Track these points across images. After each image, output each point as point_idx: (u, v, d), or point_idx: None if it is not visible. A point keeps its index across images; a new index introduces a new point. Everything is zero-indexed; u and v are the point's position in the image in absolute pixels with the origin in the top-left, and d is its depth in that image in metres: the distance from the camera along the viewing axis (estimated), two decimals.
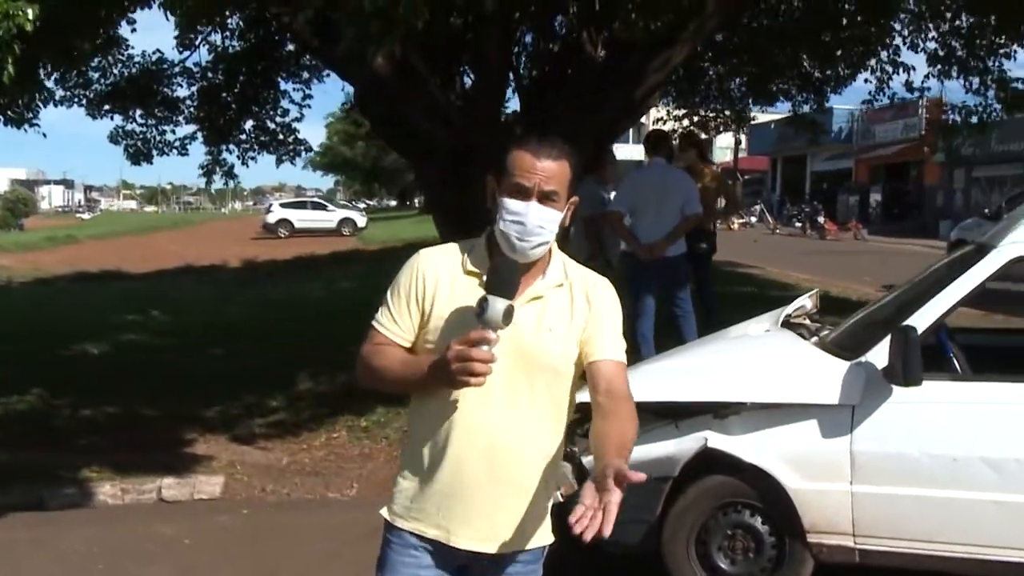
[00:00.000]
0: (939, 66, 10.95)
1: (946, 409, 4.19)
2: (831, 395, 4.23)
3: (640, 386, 4.55)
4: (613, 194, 9.10)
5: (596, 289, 2.49)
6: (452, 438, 2.41)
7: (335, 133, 63.03)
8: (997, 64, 10.50)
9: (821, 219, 36.11)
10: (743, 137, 41.44)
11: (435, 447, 2.44)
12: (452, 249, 2.53)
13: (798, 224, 39.18)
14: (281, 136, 12.59)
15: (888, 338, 4.18)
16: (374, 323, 2.52)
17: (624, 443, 2.27)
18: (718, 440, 4.35)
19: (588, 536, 2.01)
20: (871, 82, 11.77)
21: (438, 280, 2.45)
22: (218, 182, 13.35)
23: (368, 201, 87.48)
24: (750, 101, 15.83)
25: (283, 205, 51.62)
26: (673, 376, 4.64)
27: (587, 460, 4.53)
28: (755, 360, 4.63)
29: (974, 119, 10.82)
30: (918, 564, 4.27)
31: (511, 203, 2.37)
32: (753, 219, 41.86)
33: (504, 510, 2.44)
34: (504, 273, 2.29)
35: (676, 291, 8.30)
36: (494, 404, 2.38)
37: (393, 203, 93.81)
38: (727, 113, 16.54)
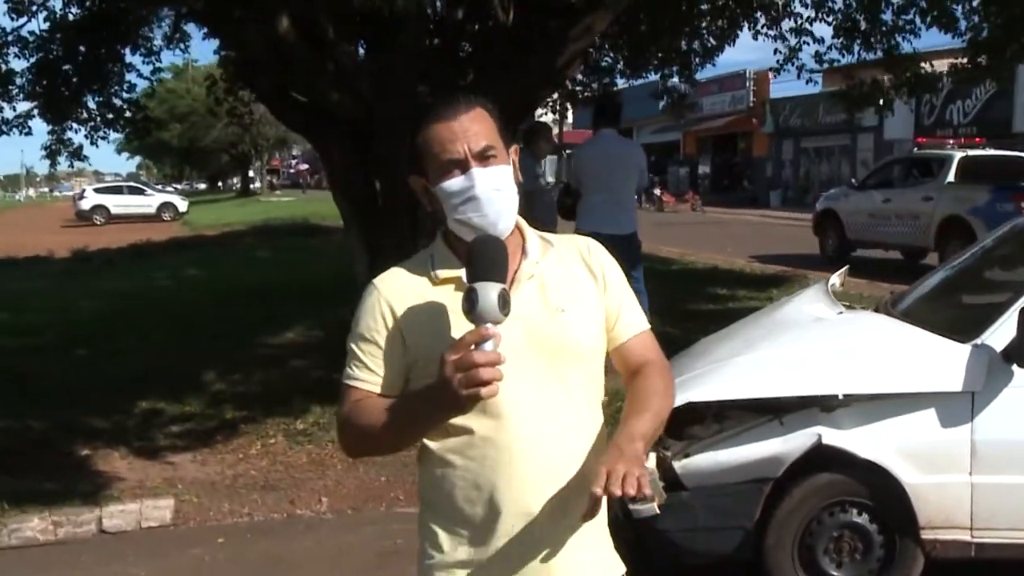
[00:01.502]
0: (841, 39, 10.98)
1: None
2: (954, 382, 3.96)
3: (736, 382, 4.24)
4: (549, 168, 8.71)
5: (593, 254, 2.11)
6: (493, 476, 1.96)
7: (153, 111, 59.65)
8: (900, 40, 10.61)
9: (658, 191, 36.69)
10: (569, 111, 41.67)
11: (473, 498, 1.99)
12: (407, 267, 2.10)
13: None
14: (129, 113, 11.60)
15: (1006, 319, 3.95)
16: (345, 380, 2.06)
17: (647, 422, 1.95)
18: (832, 436, 4.00)
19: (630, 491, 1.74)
20: (781, 52, 11.63)
21: (406, 305, 2.02)
22: (63, 164, 12.19)
23: (176, 185, 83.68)
24: (617, 74, 15.71)
25: (97, 190, 49.40)
26: (773, 370, 4.26)
27: (679, 465, 4.11)
28: (864, 348, 4.31)
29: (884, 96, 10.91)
30: None
31: (450, 183, 1.97)
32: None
33: (579, 536, 2.00)
34: (487, 251, 1.85)
35: (630, 269, 7.92)
36: (528, 415, 1.96)
37: (203, 186, 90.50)
38: (594, 86, 16.43)
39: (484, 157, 1.97)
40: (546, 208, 8.52)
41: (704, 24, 13.13)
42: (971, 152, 15.79)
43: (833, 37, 11.07)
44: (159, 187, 61.10)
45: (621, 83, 17.21)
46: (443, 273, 2.03)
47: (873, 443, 4.01)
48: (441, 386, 1.77)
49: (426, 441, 2.02)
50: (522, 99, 9.28)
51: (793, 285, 12.52)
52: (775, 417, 4.05)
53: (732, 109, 41.67)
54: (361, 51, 9.42)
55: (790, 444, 4.04)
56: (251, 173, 69.76)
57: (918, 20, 10.38)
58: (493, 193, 1.96)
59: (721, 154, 44.50)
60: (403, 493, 6.20)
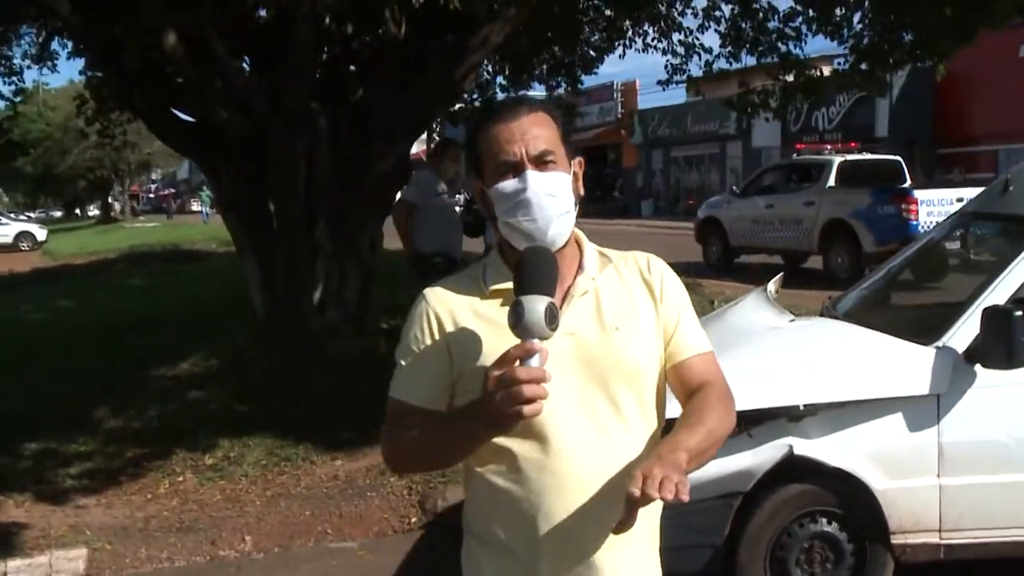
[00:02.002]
0: (729, 48, 11.13)
1: None
2: (920, 385, 3.93)
3: None
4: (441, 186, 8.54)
5: (653, 270, 2.02)
6: (539, 501, 1.88)
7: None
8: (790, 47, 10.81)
9: None
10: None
11: (517, 524, 1.91)
12: (460, 279, 2.05)
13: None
14: None
15: (966, 319, 3.95)
16: (390, 393, 2.00)
17: (697, 437, 1.81)
18: (802, 446, 3.92)
19: (668, 495, 1.60)
20: (672, 62, 11.73)
21: (455, 317, 1.96)
22: None
23: (31, 213, 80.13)
24: (497, 87, 15.69)
25: None
26: (739, 382, 4.10)
27: None
28: (830, 355, 4.22)
29: (773, 102, 11.08)
30: (998, 552, 4.09)
31: (503, 185, 1.91)
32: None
33: (631, 565, 1.94)
34: (536, 263, 1.78)
35: None
36: (577, 438, 1.88)
37: (59, 214, 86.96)
38: (477, 101, 16.38)
39: (542, 162, 1.90)
40: (450, 224, 8.36)
41: (586, 36, 13.22)
42: (849, 157, 16.26)
43: (720, 46, 11.21)
44: (13, 215, 58.37)
45: (501, 96, 17.21)
46: (494, 285, 1.96)
47: (843, 451, 3.95)
48: (483, 402, 1.70)
49: (471, 463, 1.95)
50: (418, 114, 9.10)
51: (692, 294, 12.58)
52: (743, 430, 3.94)
53: (601, 121, 42.22)
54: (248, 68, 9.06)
55: (761, 457, 3.94)
56: (111, 199, 67.25)
57: (804, 27, 10.59)
58: (546, 198, 1.88)
59: (592, 165, 44.87)
60: (330, 527, 5.92)
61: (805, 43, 10.83)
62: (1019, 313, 3.72)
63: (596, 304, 1.95)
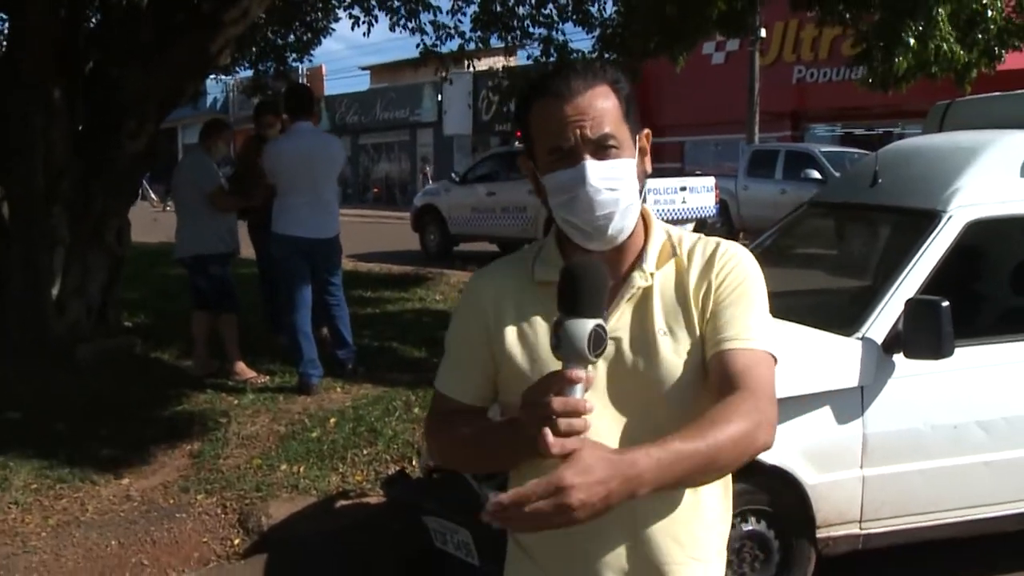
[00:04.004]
0: (479, 32, 11.00)
1: (945, 378, 4.06)
2: (849, 378, 3.89)
3: None
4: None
5: (718, 257, 1.75)
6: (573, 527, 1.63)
7: None
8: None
9: None
10: None
11: (555, 553, 1.73)
12: (515, 260, 1.85)
13: None
14: None
15: (882, 308, 3.97)
16: (436, 384, 1.85)
17: (681, 453, 1.50)
18: None
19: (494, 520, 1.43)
20: (422, 44, 11.41)
21: (500, 306, 1.77)
22: None
23: None
24: None
25: None
26: None
27: None
28: None
29: None
30: (910, 538, 4.17)
31: (556, 176, 1.68)
32: (137, 198, 39.63)
33: None
34: (582, 278, 1.53)
35: (331, 276, 7.27)
36: None
37: None
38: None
39: (602, 148, 1.65)
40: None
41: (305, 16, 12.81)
42: None
43: (471, 30, 11.06)
44: None
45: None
46: (542, 275, 1.74)
47: (778, 447, 3.81)
48: (520, 428, 1.53)
49: (512, 479, 1.76)
50: (168, 89, 8.23)
51: (436, 283, 12.41)
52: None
53: None
54: None
55: None
56: None
57: (555, 14, 10.66)
58: (606, 193, 1.65)
59: None
60: (145, 558, 5.10)
61: (560, 31, 10.85)
62: (946, 304, 3.76)
63: (648, 303, 1.72)
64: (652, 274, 1.73)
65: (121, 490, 5.81)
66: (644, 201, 1.78)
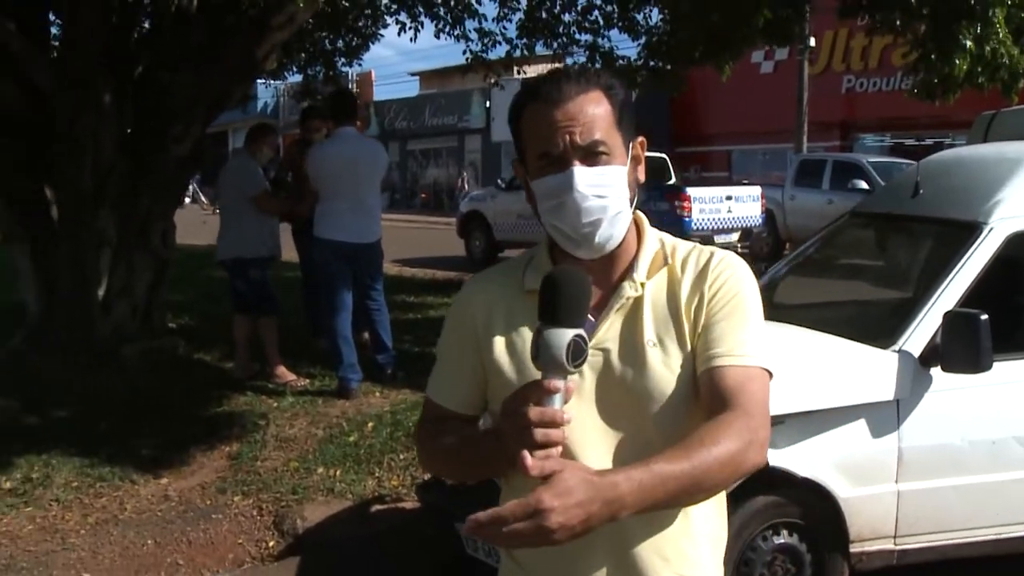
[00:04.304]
0: (524, 40, 11.00)
1: (983, 392, 3.99)
2: (885, 391, 3.83)
3: None
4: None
5: (712, 268, 1.71)
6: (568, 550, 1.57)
7: None
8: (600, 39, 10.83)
9: None
10: None
11: (545, 567, 1.70)
12: (508, 267, 1.85)
13: None
14: None
15: (920, 321, 3.91)
16: (427, 392, 1.84)
17: (665, 476, 1.47)
18: (772, 457, 3.72)
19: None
20: (470, 52, 11.44)
21: (489, 314, 1.76)
22: None
23: None
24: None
25: None
26: None
27: None
28: (795, 363, 4.02)
29: None
30: (946, 554, 4.10)
31: (545, 182, 1.67)
32: (187, 200, 39.99)
33: None
34: (562, 287, 1.52)
35: (373, 282, 7.31)
36: (599, 467, 1.60)
37: None
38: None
39: (591, 154, 1.64)
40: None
41: (351, 21, 12.86)
42: None
43: (517, 37, 11.05)
44: None
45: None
46: (532, 283, 1.70)
47: (810, 460, 3.80)
48: (502, 438, 1.52)
49: (503, 490, 1.77)
50: (217, 93, 8.34)
51: None
52: None
53: None
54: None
55: None
56: None
57: (601, 21, 10.63)
58: (593, 200, 1.64)
59: None
60: (181, 558, 5.16)
61: (606, 38, 10.83)
62: (985, 317, 3.70)
63: (638, 315, 1.69)
64: (643, 284, 1.71)
65: (159, 490, 5.88)
66: (645, 209, 1.79)
